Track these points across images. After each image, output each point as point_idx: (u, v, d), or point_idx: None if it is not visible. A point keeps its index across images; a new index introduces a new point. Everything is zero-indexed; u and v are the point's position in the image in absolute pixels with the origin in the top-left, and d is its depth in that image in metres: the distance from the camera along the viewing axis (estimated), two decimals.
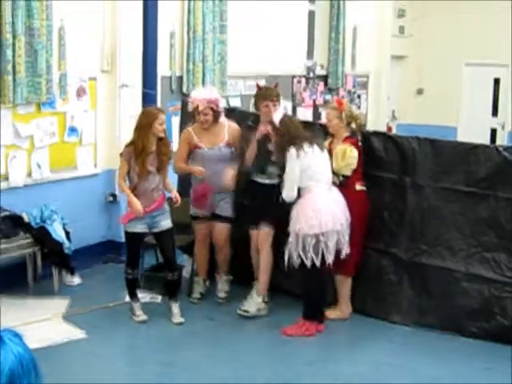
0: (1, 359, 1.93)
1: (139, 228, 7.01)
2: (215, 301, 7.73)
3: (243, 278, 7.72)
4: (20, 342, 2.01)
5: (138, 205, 6.86)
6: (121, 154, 7.07)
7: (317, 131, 7.44)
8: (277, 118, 7.12)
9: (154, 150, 6.91)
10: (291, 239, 6.83)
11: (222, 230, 7.64)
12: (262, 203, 7.37)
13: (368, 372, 6.28)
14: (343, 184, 6.99)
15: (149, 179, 6.96)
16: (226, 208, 7.58)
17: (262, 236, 7.39)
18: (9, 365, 1.94)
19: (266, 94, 7.42)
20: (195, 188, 7.58)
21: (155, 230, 7.10)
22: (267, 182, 7.39)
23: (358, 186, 7.08)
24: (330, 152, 7.06)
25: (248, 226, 7.55)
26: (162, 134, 6.92)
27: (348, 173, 7.02)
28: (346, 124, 7.11)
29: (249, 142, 7.43)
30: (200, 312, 7.49)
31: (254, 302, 7.40)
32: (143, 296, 7.57)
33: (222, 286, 7.80)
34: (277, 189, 7.17)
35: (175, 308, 7.23)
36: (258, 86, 7.71)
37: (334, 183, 6.97)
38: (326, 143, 7.18)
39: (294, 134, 6.89)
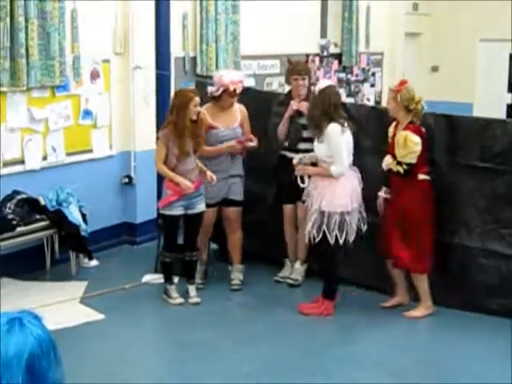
0: (21, 341, 1.94)
1: (177, 210, 7.02)
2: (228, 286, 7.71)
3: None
4: (39, 323, 2.02)
5: (187, 182, 6.88)
6: (157, 138, 7.08)
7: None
8: (319, 86, 6.97)
9: (190, 131, 6.92)
10: (315, 216, 6.76)
11: (235, 213, 7.65)
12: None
13: (384, 352, 6.28)
14: (408, 172, 6.57)
15: (186, 161, 6.97)
16: (238, 192, 7.61)
17: (302, 212, 7.43)
18: (29, 346, 1.95)
19: (295, 69, 7.66)
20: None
21: (191, 212, 7.09)
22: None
23: (421, 175, 6.66)
24: (394, 138, 6.72)
25: (282, 201, 7.71)
26: (195, 117, 6.93)
27: (413, 160, 6.55)
28: (403, 107, 6.62)
29: (280, 117, 7.55)
30: (217, 293, 7.50)
31: (299, 272, 7.72)
32: (158, 277, 7.58)
33: (237, 275, 7.74)
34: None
35: (192, 289, 7.25)
36: (289, 60, 8.02)
37: (398, 173, 6.60)
38: (391, 128, 6.84)
39: (332, 105, 6.74)
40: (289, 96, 7.73)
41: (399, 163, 6.59)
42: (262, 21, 11.00)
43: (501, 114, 15.10)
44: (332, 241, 6.71)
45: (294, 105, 7.46)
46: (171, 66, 9.50)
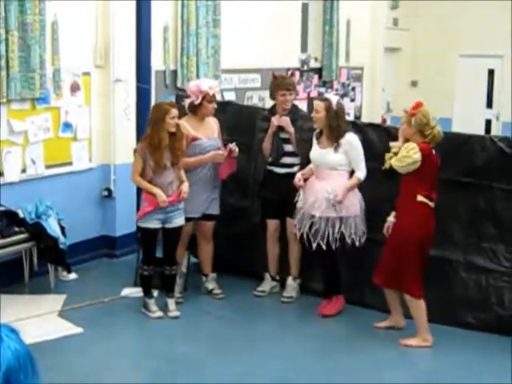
0: None
1: (153, 223, 7.00)
2: (210, 296, 7.72)
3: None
4: (16, 337, 2.00)
5: (162, 195, 6.85)
6: (135, 150, 7.08)
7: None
8: (334, 100, 7.19)
9: (167, 144, 6.89)
10: (334, 222, 6.98)
11: (211, 227, 7.70)
12: (284, 194, 7.41)
13: (364, 365, 6.28)
14: (391, 176, 6.56)
15: (164, 174, 6.95)
16: (216, 206, 7.63)
17: (292, 227, 7.48)
18: (6, 360, 1.93)
19: (282, 83, 7.60)
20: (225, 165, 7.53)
21: (168, 226, 7.07)
22: (284, 171, 7.47)
23: (420, 197, 6.39)
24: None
25: (267, 216, 7.73)
26: (173, 129, 6.91)
27: (400, 169, 6.39)
28: (417, 131, 6.36)
29: (265, 133, 7.55)
30: (196, 306, 7.48)
31: (293, 287, 7.69)
32: (138, 291, 7.55)
33: (215, 284, 7.78)
34: None
35: (171, 302, 7.22)
36: (273, 75, 7.85)
37: (382, 168, 6.68)
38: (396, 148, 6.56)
39: (344, 120, 7.17)
40: (273, 111, 7.71)
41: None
42: (243, 35, 11.03)
43: (480, 129, 15.21)
44: (353, 243, 7.02)
45: (274, 121, 7.46)
46: (152, 80, 9.51)
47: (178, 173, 7.08)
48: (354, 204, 7.04)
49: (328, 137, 7.10)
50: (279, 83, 7.62)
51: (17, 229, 7.62)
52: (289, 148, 7.48)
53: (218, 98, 7.66)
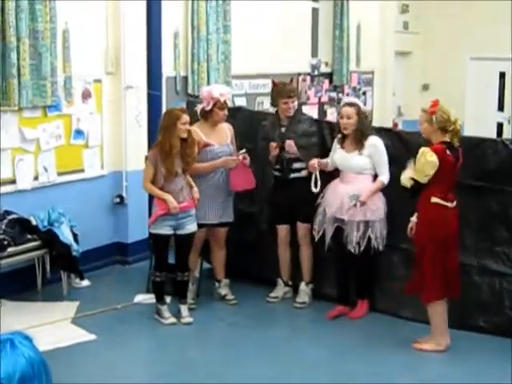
0: (12, 362, 1.93)
1: (165, 230, 6.99)
2: (223, 302, 7.73)
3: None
4: (30, 344, 2.01)
5: (173, 201, 6.85)
6: (146, 157, 7.09)
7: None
8: (361, 103, 7.42)
9: (178, 150, 6.90)
10: (361, 226, 7.04)
11: (225, 233, 7.69)
12: (294, 199, 7.41)
13: (373, 369, 6.27)
14: (415, 192, 6.34)
15: (175, 181, 6.95)
16: (230, 214, 7.60)
17: (303, 231, 7.55)
18: (20, 368, 1.94)
19: (284, 91, 7.49)
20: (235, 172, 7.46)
21: (180, 232, 7.07)
22: (293, 176, 7.46)
23: (434, 199, 6.29)
24: None
25: (276, 222, 7.70)
26: (184, 135, 6.90)
27: (422, 180, 6.24)
28: (438, 129, 6.29)
29: (267, 140, 7.48)
30: (208, 312, 7.48)
31: (305, 293, 7.66)
32: (150, 297, 7.56)
33: (228, 290, 7.79)
34: (305, 183, 7.31)
35: (184, 309, 7.22)
36: (273, 82, 7.73)
37: (404, 188, 6.40)
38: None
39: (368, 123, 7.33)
40: (276, 117, 7.62)
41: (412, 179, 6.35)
42: (253, 40, 11.04)
43: (491, 132, 15.16)
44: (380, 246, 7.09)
45: (272, 150, 7.36)
46: (162, 86, 9.52)
47: (188, 179, 7.09)
48: (380, 207, 7.07)
49: (354, 140, 7.11)
50: (280, 91, 7.51)
51: (29, 236, 7.63)
52: (298, 164, 7.45)
53: (229, 103, 7.63)
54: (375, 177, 7.14)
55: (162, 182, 6.93)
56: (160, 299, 7.24)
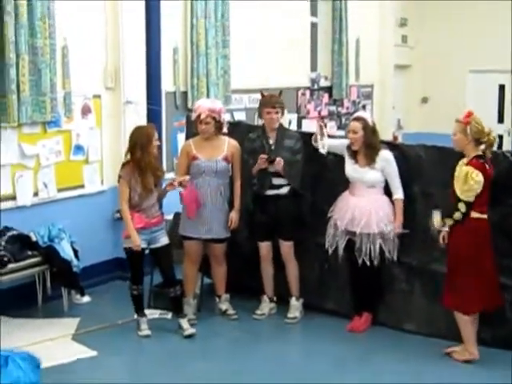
0: (9, 380, 1.93)
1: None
2: (224, 317, 7.70)
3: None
4: (24, 365, 2.00)
5: (137, 240, 6.91)
6: (120, 176, 7.06)
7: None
8: (368, 117, 7.36)
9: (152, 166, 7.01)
10: (369, 239, 7.05)
11: (221, 249, 7.63)
12: (274, 216, 7.38)
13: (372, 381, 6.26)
14: (466, 214, 6.29)
15: (149, 197, 7.02)
16: (221, 231, 7.49)
17: (286, 249, 7.52)
18: None
19: (268, 101, 7.45)
20: (184, 196, 7.33)
21: (154, 246, 7.13)
22: (273, 193, 7.38)
23: (475, 214, 6.30)
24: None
25: (257, 239, 7.61)
26: (155, 151, 7.03)
27: (471, 199, 6.24)
28: (473, 140, 6.31)
29: (252, 153, 7.41)
30: (209, 328, 7.46)
31: (296, 308, 7.61)
32: (152, 312, 7.56)
33: (228, 305, 7.76)
34: (285, 200, 7.31)
35: (184, 322, 7.21)
36: (261, 93, 7.69)
37: (457, 211, 6.31)
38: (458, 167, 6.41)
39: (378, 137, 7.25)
40: (262, 130, 7.53)
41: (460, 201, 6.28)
42: (253, 55, 11.07)
43: None
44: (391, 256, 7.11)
45: (262, 163, 7.23)
46: (162, 101, 9.52)
47: (159, 190, 7.18)
48: (393, 219, 7.07)
49: (366, 155, 7.10)
50: (264, 101, 7.48)
51: (30, 252, 7.62)
52: (278, 181, 7.36)
53: (228, 118, 7.59)
54: (385, 189, 7.14)
55: (136, 198, 6.99)
56: (139, 311, 7.28)
